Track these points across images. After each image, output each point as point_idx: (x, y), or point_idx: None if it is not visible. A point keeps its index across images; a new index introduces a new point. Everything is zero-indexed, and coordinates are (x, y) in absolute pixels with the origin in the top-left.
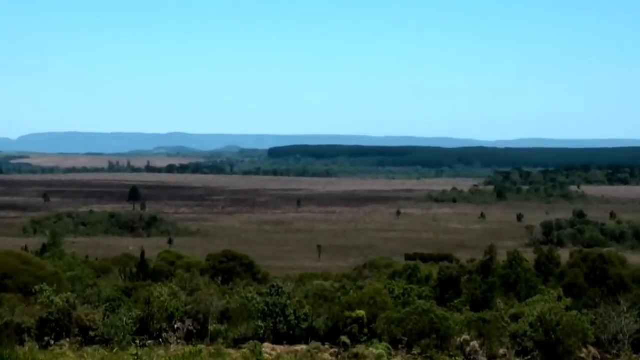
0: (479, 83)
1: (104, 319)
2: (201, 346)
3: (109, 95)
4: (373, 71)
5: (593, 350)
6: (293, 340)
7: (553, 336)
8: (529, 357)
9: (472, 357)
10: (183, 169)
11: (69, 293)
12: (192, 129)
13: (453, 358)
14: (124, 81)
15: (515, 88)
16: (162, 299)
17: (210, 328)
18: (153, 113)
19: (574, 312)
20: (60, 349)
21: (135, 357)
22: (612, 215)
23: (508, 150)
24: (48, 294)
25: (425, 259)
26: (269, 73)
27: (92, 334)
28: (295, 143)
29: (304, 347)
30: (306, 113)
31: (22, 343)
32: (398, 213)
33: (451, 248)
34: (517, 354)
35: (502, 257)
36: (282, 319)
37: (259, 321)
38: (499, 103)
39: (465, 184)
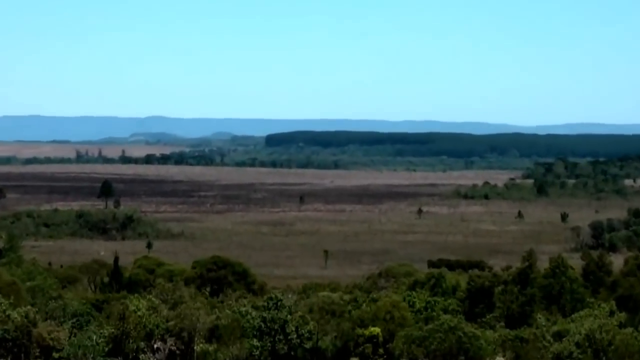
0: (515, 58)
1: (70, 337)
2: None
3: (78, 72)
4: (389, 45)
5: None
6: None
7: (604, 358)
8: None
9: None
10: (164, 159)
11: (29, 307)
12: (175, 112)
13: None
14: (95, 56)
15: (560, 63)
16: (139, 313)
17: (197, 348)
18: (129, 94)
19: (629, 330)
20: None
21: None
22: None
23: (550, 137)
24: (4, 307)
25: (451, 266)
26: (266, 47)
27: (55, 355)
28: (297, 129)
29: None
30: (311, 94)
31: None
32: (419, 212)
33: (483, 253)
34: None
35: (543, 264)
36: (281, 337)
37: (254, 340)
38: (540, 81)
39: (499, 177)
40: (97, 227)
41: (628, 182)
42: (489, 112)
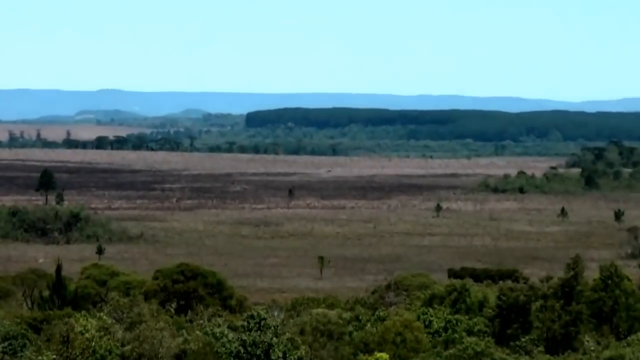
0: (556, 16)
1: None
2: None
3: (11, 37)
4: (399, 5)
5: None
6: None
7: None
8: None
9: None
10: (120, 143)
11: None
12: (132, 85)
13: None
14: (34, 18)
15: (613, 24)
16: (87, 335)
17: None
18: (76, 63)
19: None
20: None
21: None
22: None
23: (602, 116)
24: None
25: (478, 276)
26: (247, 7)
27: None
28: (285, 105)
29: None
30: (303, 62)
31: None
32: (438, 209)
33: (517, 260)
34: None
35: (592, 274)
36: None
37: None
38: (588, 47)
39: (537, 166)
40: (35, 228)
41: None
42: (525, 84)
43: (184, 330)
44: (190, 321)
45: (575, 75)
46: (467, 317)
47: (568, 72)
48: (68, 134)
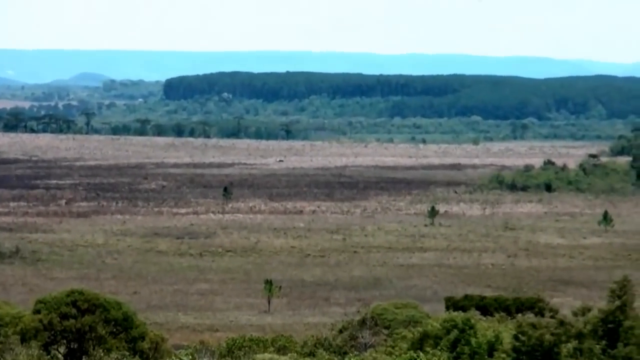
0: None
1: None
2: None
3: None
4: None
5: None
6: None
7: None
8: None
9: None
10: None
11: None
12: (4, 42)
13: None
14: None
15: None
16: None
17: None
18: None
19: None
20: None
21: None
22: None
23: None
24: None
25: (487, 307)
26: None
27: None
28: (219, 69)
29: None
30: (243, 9)
31: None
32: (433, 213)
33: (541, 285)
34: None
35: None
36: None
37: None
38: None
39: (571, 153)
40: None
41: None
42: (554, 40)
43: None
44: None
45: (625, 27)
46: None
47: (614, 23)
48: None
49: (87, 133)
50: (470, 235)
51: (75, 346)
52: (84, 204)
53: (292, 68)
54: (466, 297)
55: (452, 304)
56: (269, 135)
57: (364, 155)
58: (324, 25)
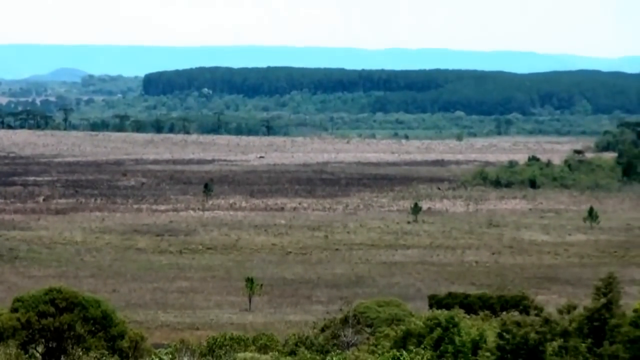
0: None
1: None
2: None
3: None
4: None
5: None
6: None
7: None
8: None
9: None
10: None
11: None
12: None
13: None
14: None
15: None
16: None
17: None
18: None
19: None
20: None
21: None
22: None
23: None
24: None
25: (471, 305)
26: None
27: None
28: (199, 63)
29: None
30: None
31: None
32: (416, 210)
33: (526, 283)
34: None
35: (631, 302)
36: None
37: None
38: None
39: (556, 149)
40: None
41: None
42: (539, 35)
43: None
44: None
45: (610, 21)
46: None
47: (600, 17)
48: None
49: (65, 129)
50: (453, 232)
51: (54, 345)
52: (62, 200)
53: (273, 63)
54: (450, 294)
55: (436, 302)
56: (250, 131)
57: (346, 152)
58: (305, 20)
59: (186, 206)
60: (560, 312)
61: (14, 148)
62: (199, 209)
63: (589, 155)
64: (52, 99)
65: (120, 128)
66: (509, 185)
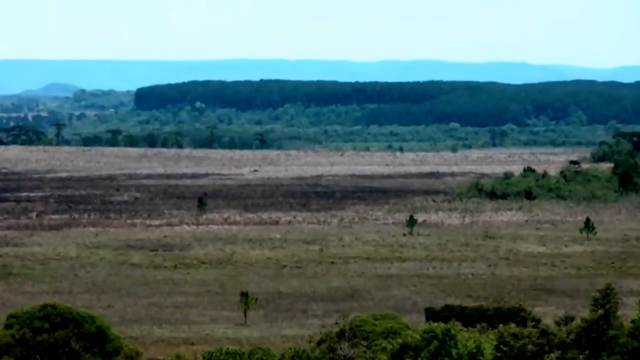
0: None
1: None
2: None
3: None
4: None
5: None
6: None
7: None
8: None
9: None
10: None
11: None
12: None
13: None
14: None
15: None
16: None
17: None
18: None
19: None
20: None
21: None
22: None
23: None
24: None
25: (468, 318)
26: None
27: None
28: (192, 77)
29: None
30: (216, 16)
31: None
32: (411, 223)
33: (523, 295)
34: None
35: (629, 313)
36: None
37: None
38: None
39: (552, 160)
40: None
41: None
42: (534, 45)
43: None
44: None
45: (605, 31)
46: None
47: (595, 28)
48: None
49: (57, 144)
50: (449, 244)
51: None
52: (55, 216)
53: (266, 76)
54: (446, 307)
55: (432, 315)
56: (243, 144)
57: (340, 164)
58: (298, 33)
59: (180, 221)
60: (557, 323)
61: (6, 164)
62: (193, 223)
63: (584, 166)
64: (44, 114)
65: (113, 143)
66: (504, 196)
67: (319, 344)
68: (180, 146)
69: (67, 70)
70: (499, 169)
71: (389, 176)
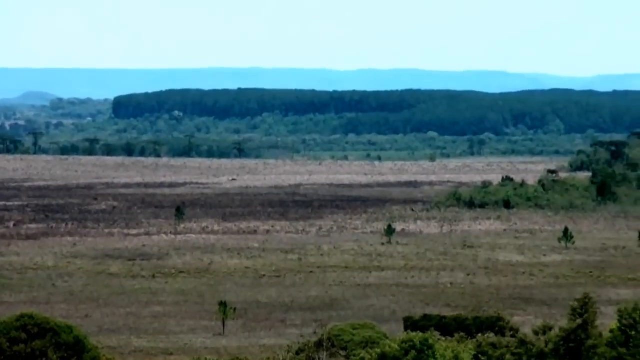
0: None
1: None
2: None
3: None
4: None
5: None
6: None
7: None
8: None
9: None
10: None
11: None
12: None
13: None
14: None
15: None
16: None
17: None
18: None
19: None
20: None
21: None
22: None
23: (619, 96)
24: None
25: (446, 327)
26: None
27: None
28: (169, 86)
29: None
30: (194, 25)
31: None
32: (390, 232)
33: (501, 304)
34: None
35: (608, 322)
36: None
37: None
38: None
39: (530, 169)
40: None
41: None
42: (511, 54)
43: None
44: None
45: (582, 40)
46: None
47: (572, 37)
48: None
49: (35, 153)
50: (428, 253)
51: None
52: (32, 225)
53: (244, 85)
54: (425, 316)
55: (411, 324)
56: (221, 153)
57: (319, 173)
58: (275, 41)
59: (158, 230)
60: (536, 333)
61: None
62: (171, 232)
63: (563, 175)
64: (22, 122)
65: (90, 152)
66: (483, 206)
67: (297, 353)
68: (158, 155)
69: (45, 79)
70: (478, 178)
71: (367, 185)
